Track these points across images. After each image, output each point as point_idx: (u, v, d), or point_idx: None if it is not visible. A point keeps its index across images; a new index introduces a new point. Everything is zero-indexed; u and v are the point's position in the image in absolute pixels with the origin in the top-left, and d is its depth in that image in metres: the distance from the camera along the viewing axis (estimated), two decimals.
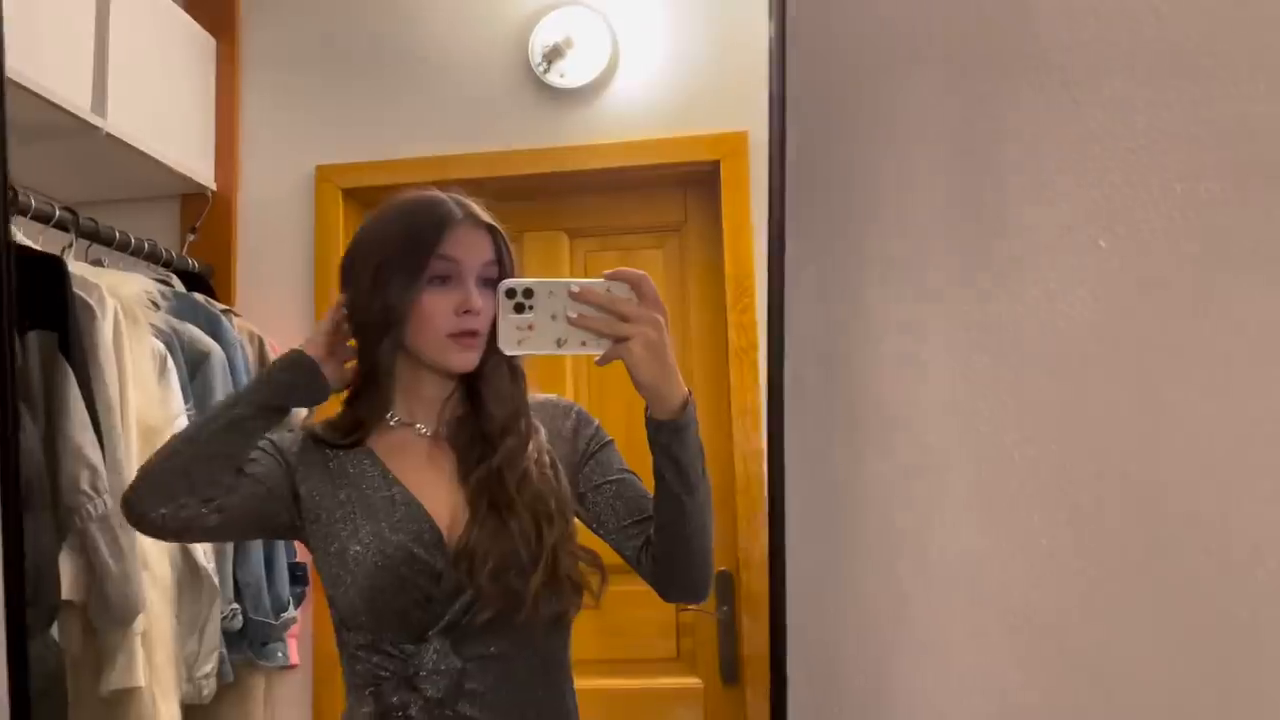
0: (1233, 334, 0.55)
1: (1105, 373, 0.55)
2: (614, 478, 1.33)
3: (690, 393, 1.14)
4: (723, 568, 2.39)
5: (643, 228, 2.56)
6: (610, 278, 1.13)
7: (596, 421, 1.39)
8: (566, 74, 2.43)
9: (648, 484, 1.28)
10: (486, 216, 1.34)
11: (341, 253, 2.45)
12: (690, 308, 2.48)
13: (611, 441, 1.37)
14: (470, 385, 1.32)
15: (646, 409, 1.15)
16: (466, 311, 1.27)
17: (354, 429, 1.32)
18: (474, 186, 2.49)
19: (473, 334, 1.27)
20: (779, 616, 0.79)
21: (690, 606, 1.36)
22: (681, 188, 2.53)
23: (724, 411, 2.37)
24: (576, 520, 1.32)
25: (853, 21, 0.70)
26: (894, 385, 0.71)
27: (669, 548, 1.23)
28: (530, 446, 1.27)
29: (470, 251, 1.29)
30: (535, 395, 1.37)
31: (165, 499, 1.21)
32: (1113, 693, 0.59)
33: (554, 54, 2.42)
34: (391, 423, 1.34)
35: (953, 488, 0.67)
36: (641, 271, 1.12)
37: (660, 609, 2.44)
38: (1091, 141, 0.53)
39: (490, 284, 1.26)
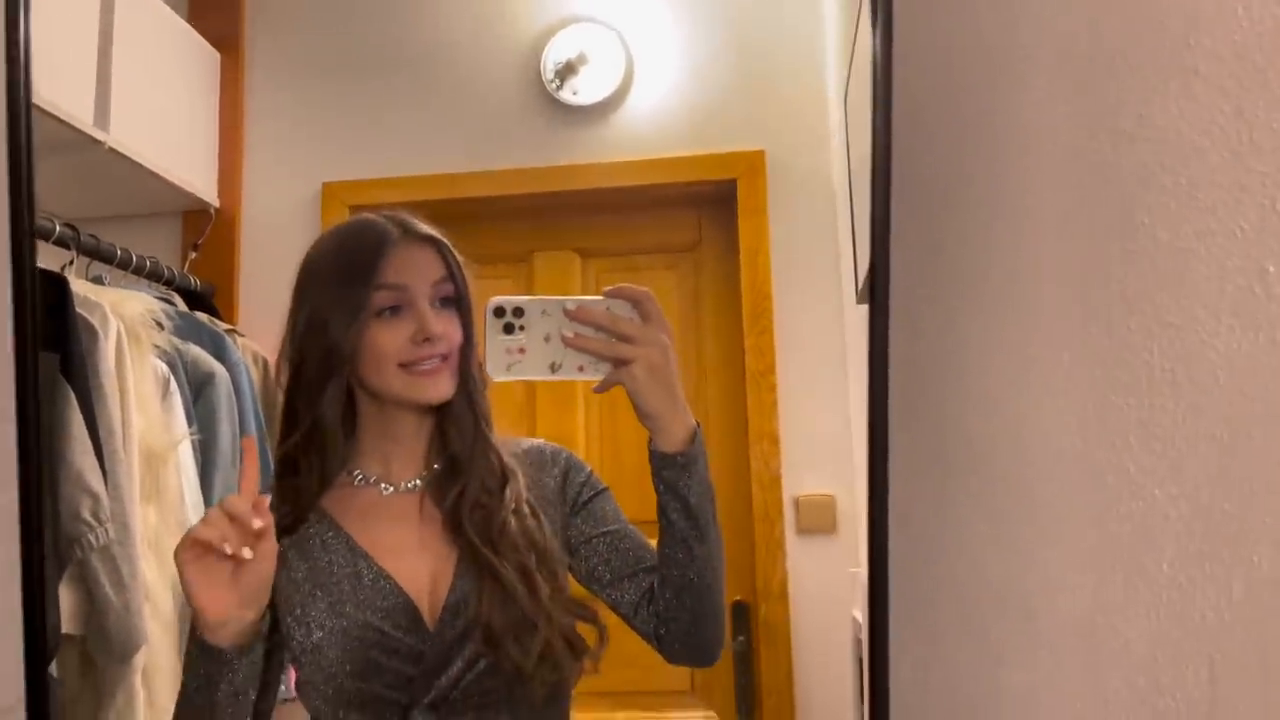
0: None
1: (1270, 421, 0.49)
2: (609, 529, 1.17)
3: (699, 424, 1.03)
4: (739, 598, 2.33)
5: (656, 247, 2.51)
6: (610, 295, 1.01)
7: (588, 469, 1.22)
8: (579, 91, 2.38)
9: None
10: (427, 229, 1.16)
11: None
12: (705, 330, 2.43)
13: (606, 490, 1.21)
14: (441, 427, 1.17)
15: (650, 441, 1.02)
16: (426, 340, 1.10)
17: (298, 499, 1.12)
18: (484, 204, 2.46)
19: (439, 359, 1.11)
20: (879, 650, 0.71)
21: None
22: (696, 207, 2.48)
23: (741, 437, 2.31)
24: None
25: (958, 27, 0.64)
26: (990, 423, 0.64)
27: (675, 602, 1.07)
28: (507, 492, 1.12)
29: (416, 274, 1.12)
30: (520, 441, 1.22)
31: None
32: None
33: (567, 71, 2.38)
34: (355, 481, 1.16)
35: (1068, 542, 0.60)
36: (644, 288, 1.01)
37: None
38: (1252, 154, 0.48)
39: (448, 302, 1.14)
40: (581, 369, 1.00)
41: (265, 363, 2.17)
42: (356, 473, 1.16)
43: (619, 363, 0.98)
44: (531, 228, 2.48)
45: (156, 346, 1.80)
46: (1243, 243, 0.50)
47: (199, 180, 2.35)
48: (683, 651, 1.11)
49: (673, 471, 1.01)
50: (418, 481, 1.16)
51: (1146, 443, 0.56)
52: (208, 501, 1.85)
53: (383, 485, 1.16)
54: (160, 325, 1.81)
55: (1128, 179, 0.57)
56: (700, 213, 2.48)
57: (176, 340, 1.90)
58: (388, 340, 1.09)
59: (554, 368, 1.01)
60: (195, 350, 1.93)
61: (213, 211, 2.41)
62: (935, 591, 0.68)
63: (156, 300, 1.89)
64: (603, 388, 1.00)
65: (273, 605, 1.05)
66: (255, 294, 2.42)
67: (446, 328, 1.10)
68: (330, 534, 1.11)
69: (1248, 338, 0.50)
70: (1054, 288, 0.60)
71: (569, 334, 0.99)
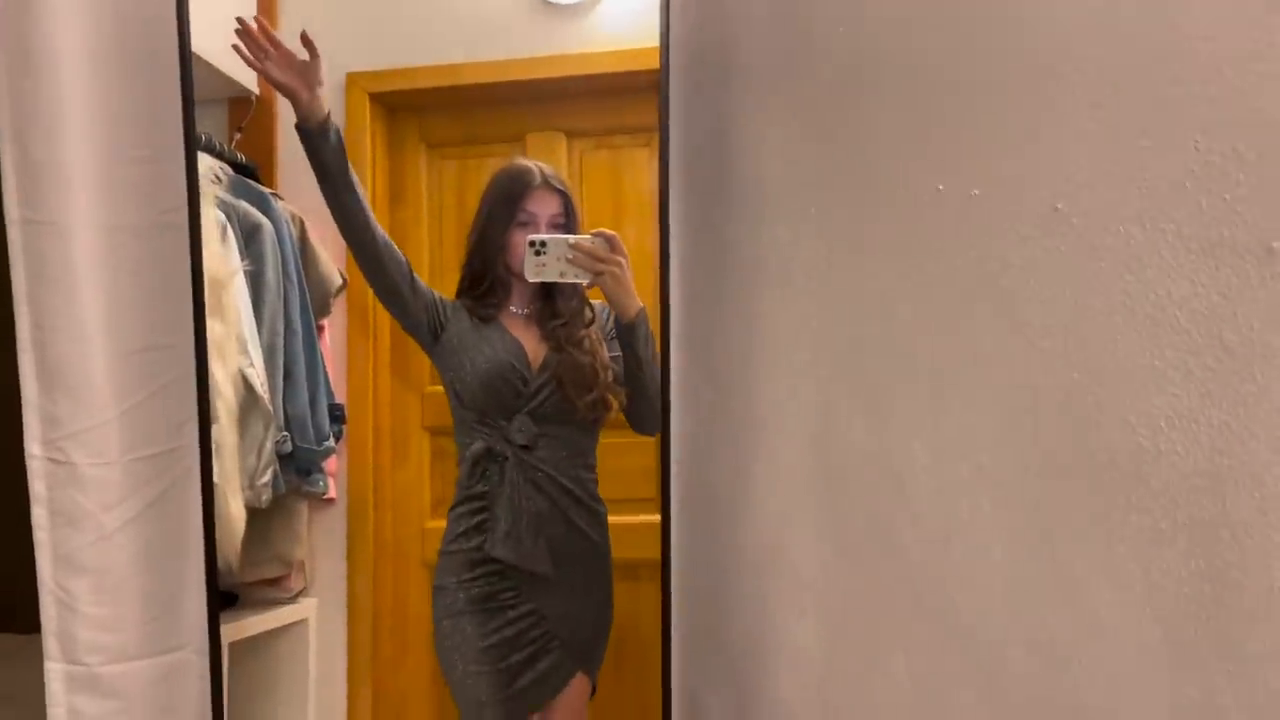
0: None
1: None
2: (615, 353, 2.02)
3: (643, 307, 1.84)
4: None
5: (632, 128, 2.88)
6: (594, 235, 1.79)
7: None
8: None
9: None
10: (558, 183, 1.99)
11: (369, 151, 2.85)
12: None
13: None
14: (548, 291, 2.03)
15: (615, 316, 1.87)
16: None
17: (487, 311, 2.03)
18: (483, 90, 2.84)
19: None
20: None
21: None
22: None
23: None
24: None
25: None
26: (742, 190, 1.09)
27: (633, 400, 1.98)
28: (588, 325, 2.01)
29: (544, 207, 1.97)
30: (596, 303, 2.09)
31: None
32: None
33: None
34: (507, 305, 2.06)
35: (784, 263, 1.04)
36: (614, 232, 1.81)
37: (645, 458, 2.82)
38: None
39: (558, 229, 1.97)
40: (577, 276, 1.81)
41: (302, 221, 2.59)
42: (508, 302, 2.05)
43: (597, 274, 1.80)
44: (524, 111, 2.87)
45: (217, 197, 2.23)
46: None
47: (242, 69, 2.71)
48: (641, 426, 2.05)
49: (626, 333, 1.89)
50: (528, 310, 2.05)
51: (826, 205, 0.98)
52: (259, 323, 2.30)
53: (513, 308, 2.05)
54: (219, 179, 2.23)
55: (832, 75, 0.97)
56: None
57: (229, 197, 2.32)
58: (519, 239, 1.93)
59: (562, 275, 1.81)
60: (245, 205, 2.35)
61: (254, 99, 2.80)
62: (712, 332, 1.13)
63: (215, 160, 2.31)
64: (588, 287, 1.87)
65: (458, 345, 2.00)
66: (292, 171, 2.82)
67: None
68: (495, 326, 2.02)
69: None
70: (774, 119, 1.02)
71: (570, 256, 1.80)
